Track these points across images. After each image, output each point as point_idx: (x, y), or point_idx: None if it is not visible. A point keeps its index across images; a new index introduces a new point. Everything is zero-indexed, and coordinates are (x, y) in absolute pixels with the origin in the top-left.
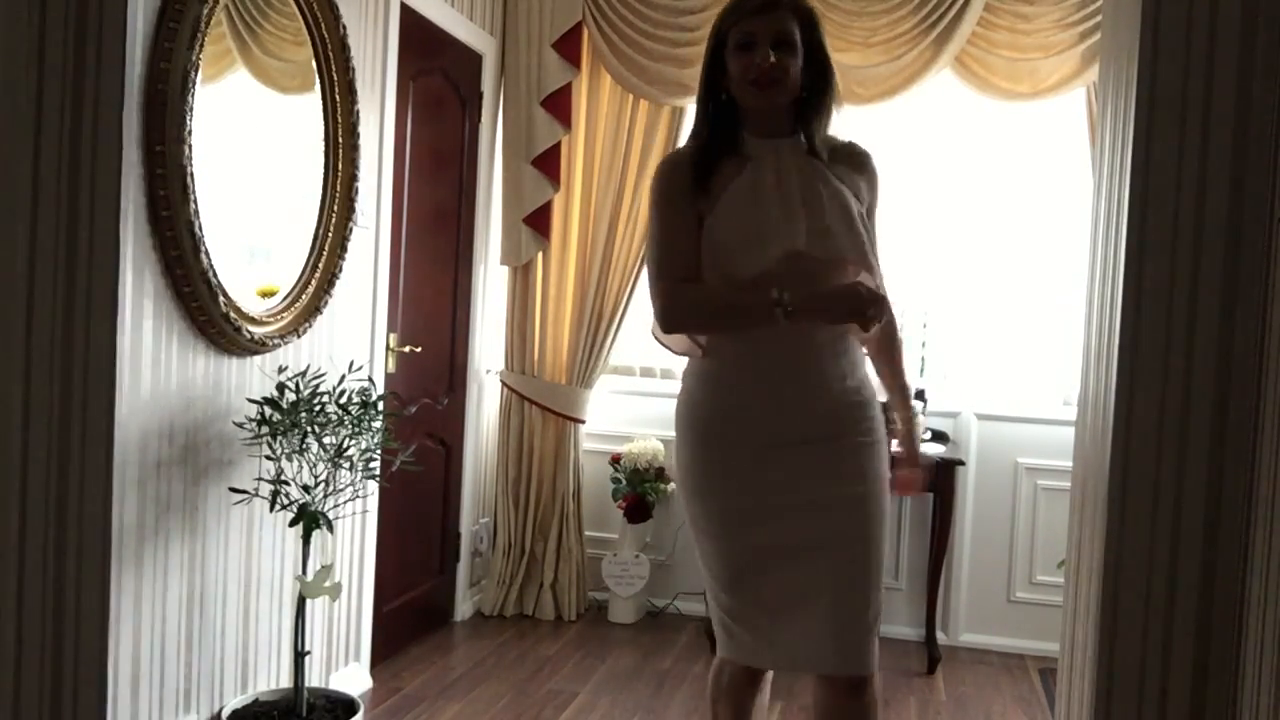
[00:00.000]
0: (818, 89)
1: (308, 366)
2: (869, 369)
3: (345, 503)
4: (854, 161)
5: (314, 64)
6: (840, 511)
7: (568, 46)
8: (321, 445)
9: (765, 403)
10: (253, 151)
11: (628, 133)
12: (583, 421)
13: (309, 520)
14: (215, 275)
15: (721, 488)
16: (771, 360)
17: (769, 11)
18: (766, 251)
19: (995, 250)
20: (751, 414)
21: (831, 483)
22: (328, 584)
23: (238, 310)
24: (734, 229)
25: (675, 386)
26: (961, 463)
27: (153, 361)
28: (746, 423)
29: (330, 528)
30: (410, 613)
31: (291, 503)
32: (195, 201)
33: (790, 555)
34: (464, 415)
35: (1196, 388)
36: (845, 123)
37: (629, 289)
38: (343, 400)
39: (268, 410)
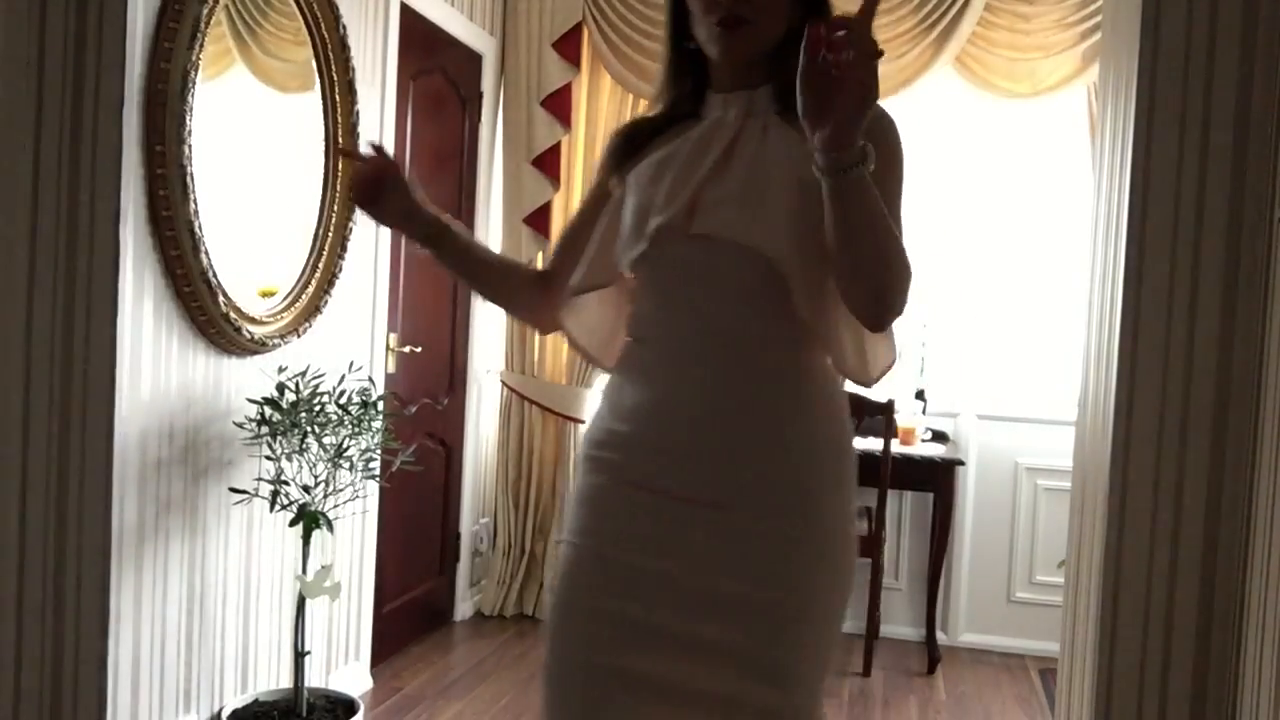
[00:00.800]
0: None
1: (308, 366)
2: (837, 417)
3: (345, 503)
4: None
5: (314, 64)
6: (741, 627)
7: (568, 46)
8: (321, 445)
9: (655, 428)
10: (253, 151)
11: None
12: (583, 421)
13: (309, 520)
14: (215, 275)
15: (585, 525)
16: (681, 372)
17: None
18: (647, 229)
19: (995, 250)
20: (635, 439)
21: (729, 575)
22: (328, 584)
23: (238, 310)
24: (630, 208)
25: None
26: (961, 463)
27: (153, 361)
28: (626, 449)
29: (330, 528)
30: (410, 613)
31: (291, 503)
32: (195, 201)
33: (662, 682)
34: (464, 415)
35: (1196, 388)
36: None
37: None
38: (343, 400)
39: (268, 410)
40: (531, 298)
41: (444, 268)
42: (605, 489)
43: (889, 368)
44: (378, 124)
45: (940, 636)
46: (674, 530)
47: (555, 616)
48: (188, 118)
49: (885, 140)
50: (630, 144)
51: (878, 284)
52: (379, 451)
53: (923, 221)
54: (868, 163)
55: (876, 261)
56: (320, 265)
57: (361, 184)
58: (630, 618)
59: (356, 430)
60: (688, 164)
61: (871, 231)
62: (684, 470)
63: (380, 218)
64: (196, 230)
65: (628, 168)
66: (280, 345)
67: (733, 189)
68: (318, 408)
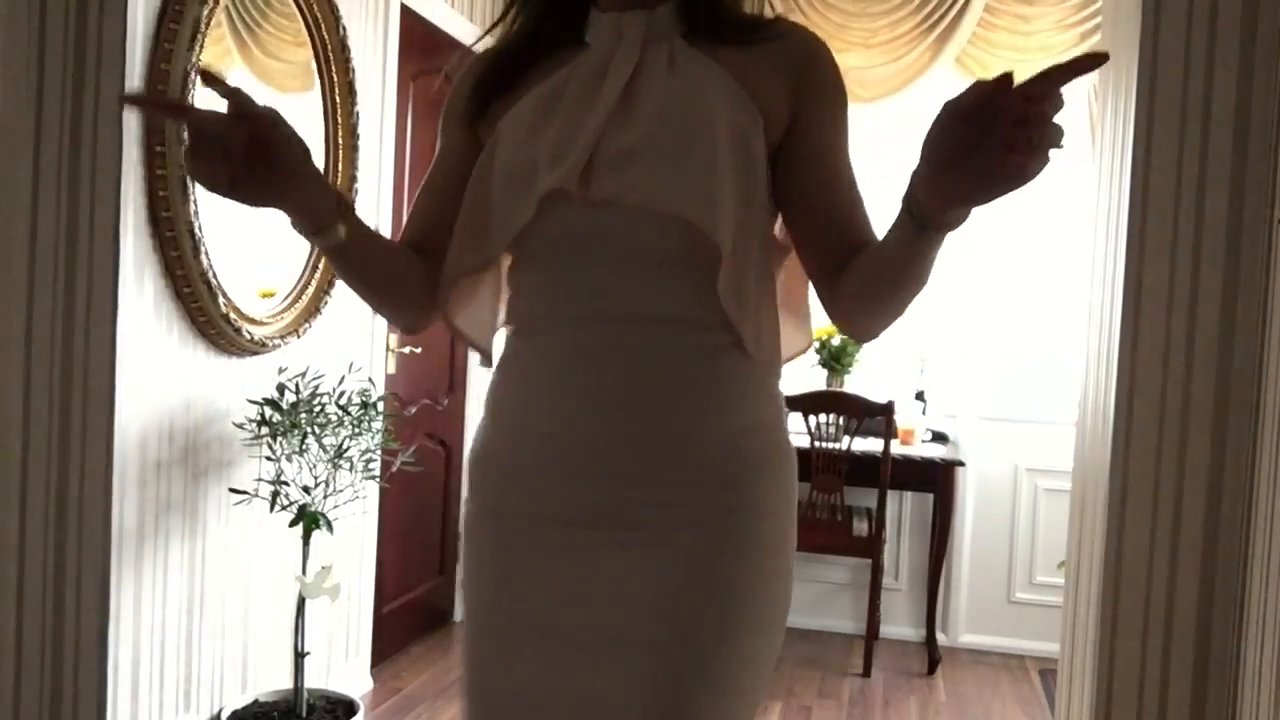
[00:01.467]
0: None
1: (307, 367)
2: (765, 409)
3: (345, 503)
4: (778, 50)
5: (314, 64)
6: (640, 679)
7: None
8: (321, 446)
9: (545, 440)
10: None
11: None
12: None
13: (309, 521)
14: (215, 275)
15: (488, 578)
16: (577, 370)
17: None
18: (532, 194)
19: (995, 251)
20: (520, 454)
21: (647, 613)
22: (328, 584)
23: (238, 311)
24: (504, 165)
25: None
26: (962, 463)
27: (153, 362)
28: (509, 468)
29: (330, 528)
30: (410, 613)
31: (291, 503)
32: (195, 201)
33: None
34: (464, 415)
35: (1196, 388)
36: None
37: None
38: (342, 401)
39: (267, 411)
40: (427, 285)
41: (346, 260)
42: (488, 524)
43: (799, 354)
44: (378, 124)
45: (940, 637)
46: (574, 567)
47: (464, 696)
48: None
49: (836, 77)
50: (494, 81)
51: (895, 317)
52: (379, 452)
53: None
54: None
55: (908, 302)
56: (320, 266)
57: (237, 146)
58: (534, 691)
59: (356, 431)
60: (576, 106)
61: (924, 280)
62: (584, 489)
63: (273, 193)
64: (196, 231)
65: (496, 112)
66: (280, 346)
67: (641, 138)
68: (318, 408)
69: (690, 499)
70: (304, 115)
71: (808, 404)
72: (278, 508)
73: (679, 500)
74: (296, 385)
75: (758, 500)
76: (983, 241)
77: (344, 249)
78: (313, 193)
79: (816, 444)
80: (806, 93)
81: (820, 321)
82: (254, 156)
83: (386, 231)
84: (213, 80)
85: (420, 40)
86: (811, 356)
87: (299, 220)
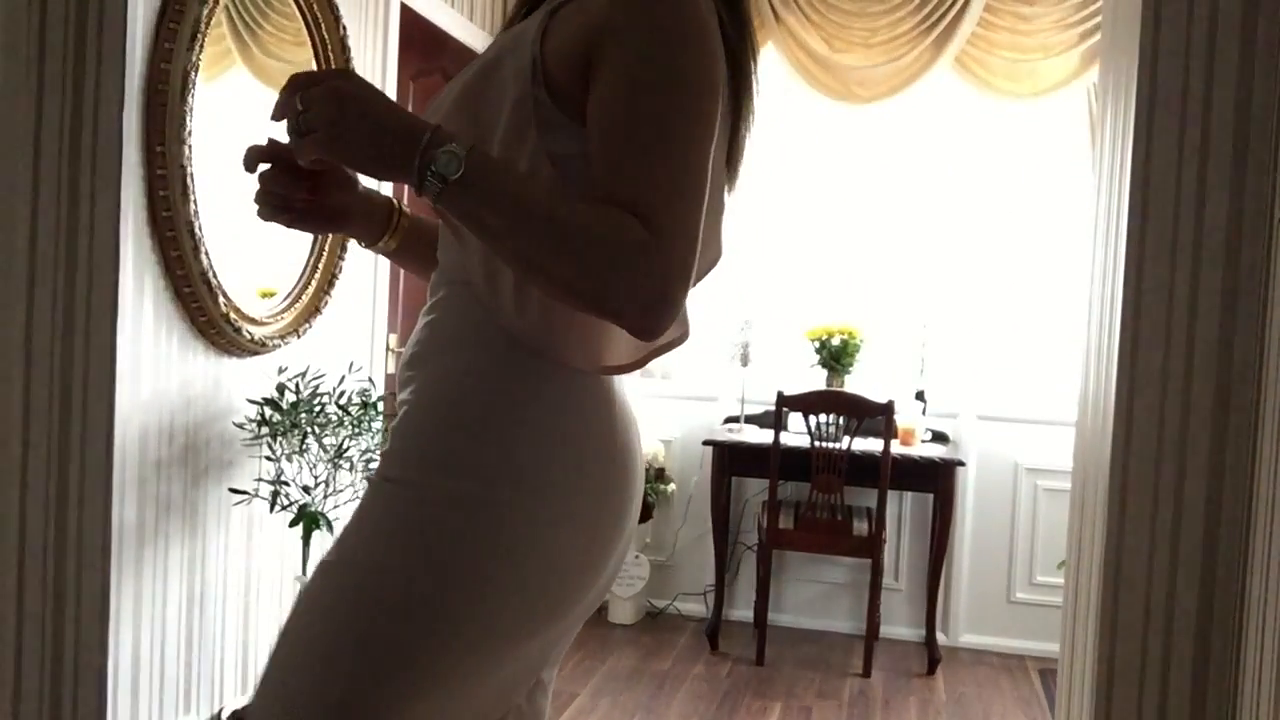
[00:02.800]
0: None
1: (308, 367)
2: (489, 355)
3: (345, 504)
4: (592, 3)
5: (314, 64)
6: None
7: None
8: (321, 446)
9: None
10: None
11: None
12: None
13: (309, 521)
14: (215, 275)
15: None
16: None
17: None
18: None
19: (995, 251)
20: None
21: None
22: None
23: (238, 311)
24: None
25: (675, 386)
26: (962, 463)
27: (153, 361)
28: None
29: (330, 528)
30: None
31: (291, 503)
32: (195, 201)
33: None
34: None
35: (1196, 388)
36: (847, 123)
37: None
38: (343, 401)
39: (267, 411)
40: None
41: (399, 259)
42: None
43: (633, 363)
44: None
45: (940, 637)
46: None
47: None
48: (188, 118)
49: (634, 20)
50: None
51: (577, 297)
52: (379, 452)
53: (923, 222)
54: (443, 170)
55: (547, 276)
56: (320, 266)
57: (292, 185)
58: None
59: (356, 431)
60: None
61: (518, 247)
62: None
63: (329, 227)
64: (196, 231)
65: None
66: (280, 346)
67: (442, 92)
68: (318, 408)
69: (402, 446)
70: None
71: (808, 404)
72: (278, 508)
73: (396, 448)
74: (296, 385)
75: (453, 455)
76: (983, 242)
77: (395, 253)
78: (362, 219)
79: (816, 444)
80: (595, 46)
81: (800, 320)
82: (311, 202)
83: None
84: (281, 146)
85: (420, 40)
86: (811, 356)
87: (355, 239)
